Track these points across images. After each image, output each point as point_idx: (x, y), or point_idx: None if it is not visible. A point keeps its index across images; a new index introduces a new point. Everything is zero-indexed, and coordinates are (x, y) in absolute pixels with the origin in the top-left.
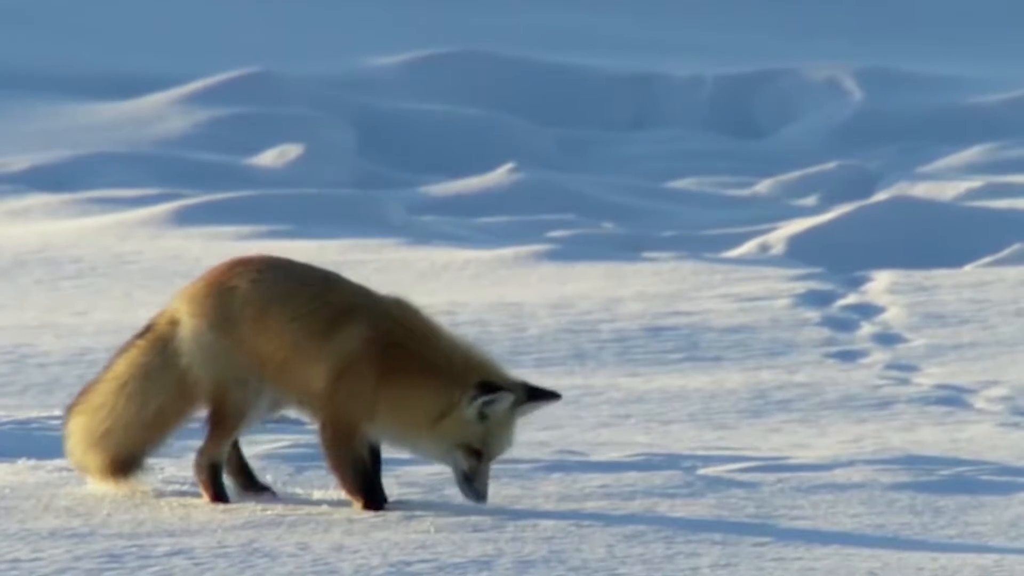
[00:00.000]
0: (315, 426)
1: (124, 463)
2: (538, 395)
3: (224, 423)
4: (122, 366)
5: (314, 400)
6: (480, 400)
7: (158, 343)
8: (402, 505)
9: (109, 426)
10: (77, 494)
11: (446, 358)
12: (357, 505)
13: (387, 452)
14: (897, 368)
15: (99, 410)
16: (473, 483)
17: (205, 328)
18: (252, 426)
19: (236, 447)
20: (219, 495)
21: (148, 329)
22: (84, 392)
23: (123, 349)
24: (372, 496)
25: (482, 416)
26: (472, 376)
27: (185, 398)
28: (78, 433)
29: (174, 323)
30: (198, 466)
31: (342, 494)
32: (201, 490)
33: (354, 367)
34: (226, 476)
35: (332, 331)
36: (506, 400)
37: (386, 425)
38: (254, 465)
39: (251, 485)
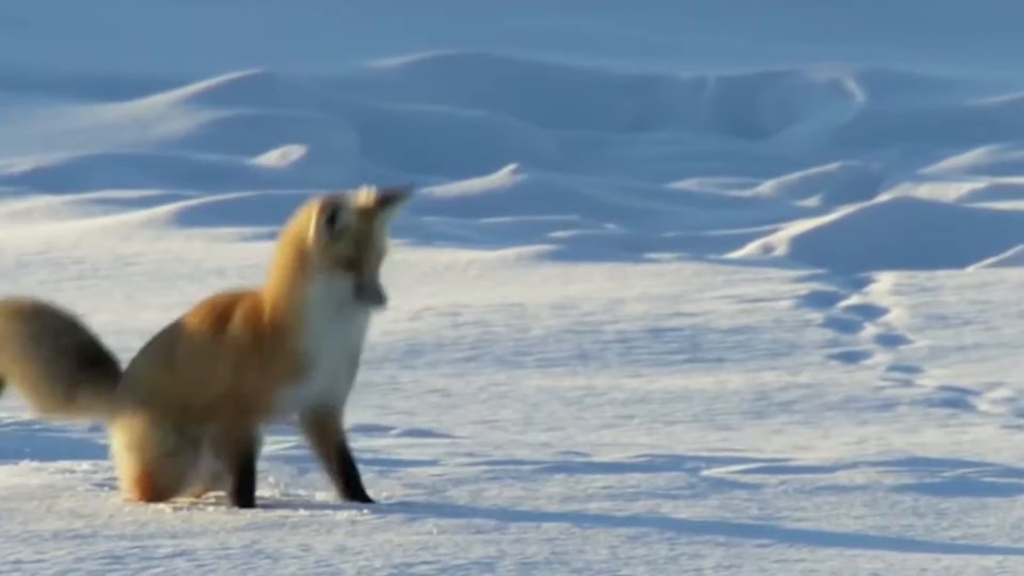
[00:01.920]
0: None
1: None
2: (390, 199)
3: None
4: None
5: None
6: (322, 218)
7: None
8: (405, 507)
9: None
10: (80, 496)
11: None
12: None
13: (389, 454)
14: (900, 370)
15: None
16: (365, 292)
17: None
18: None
19: None
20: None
21: None
22: None
23: None
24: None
25: (338, 234)
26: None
27: None
28: None
29: None
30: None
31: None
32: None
33: None
34: None
35: None
36: (347, 214)
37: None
38: (257, 467)
39: None
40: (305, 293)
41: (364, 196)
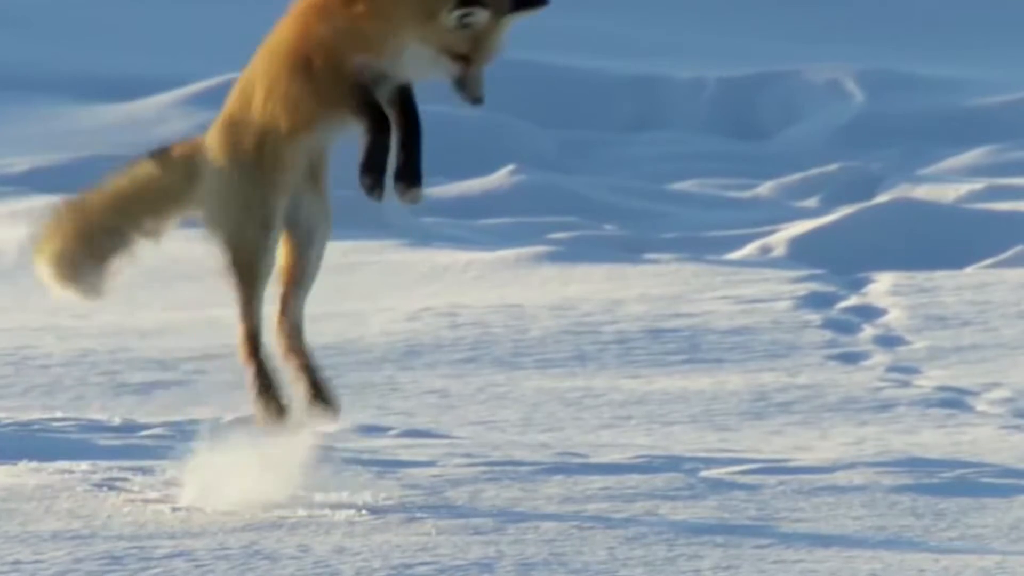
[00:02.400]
0: None
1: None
2: (523, 4)
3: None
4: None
5: None
6: (457, 12)
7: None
8: (403, 508)
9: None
10: (78, 496)
11: None
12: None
13: (388, 455)
14: (898, 370)
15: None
16: (465, 87)
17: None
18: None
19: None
20: (260, 370)
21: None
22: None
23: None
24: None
25: (464, 26)
26: None
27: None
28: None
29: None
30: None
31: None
32: (246, 372)
33: None
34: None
35: None
36: (482, 15)
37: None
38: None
39: (315, 394)
40: (407, 39)
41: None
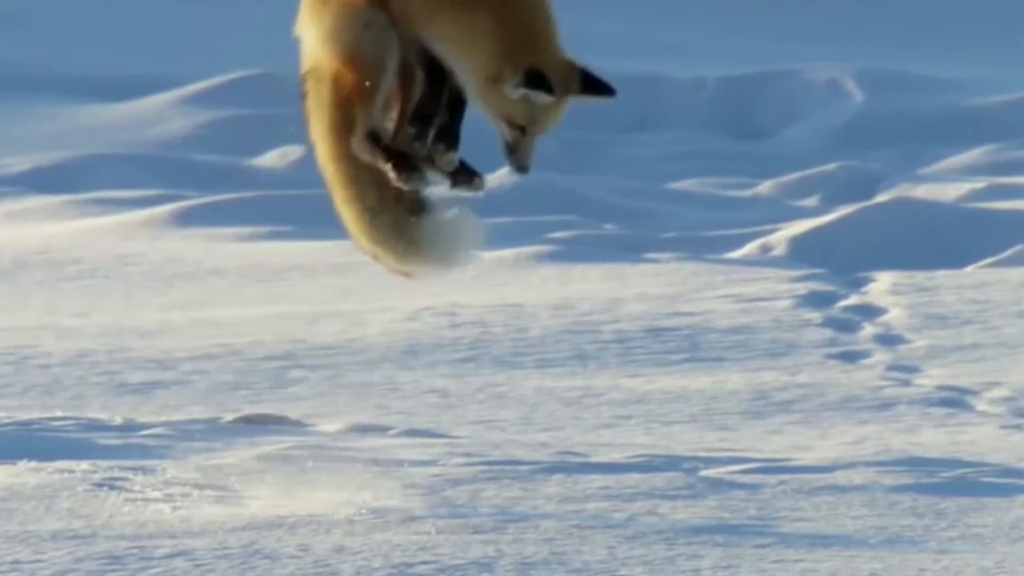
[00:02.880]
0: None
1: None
2: (592, 89)
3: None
4: None
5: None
6: (523, 89)
7: None
8: (403, 507)
9: None
10: (79, 496)
11: (516, 23)
12: None
13: (388, 454)
14: (899, 369)
15: None
16: (514, 154)
17: None
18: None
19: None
20: (391, 152)
21: None
22: None
23: None
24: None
25: (526, 99)
26: (525, 55)
27: None
28: None
29: None
30: (359, 145)
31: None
32: (373, 160)
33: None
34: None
35: None
36: (545, 97)
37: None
38: (253, 466)
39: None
40: (474, 93)
41: (568, 72)
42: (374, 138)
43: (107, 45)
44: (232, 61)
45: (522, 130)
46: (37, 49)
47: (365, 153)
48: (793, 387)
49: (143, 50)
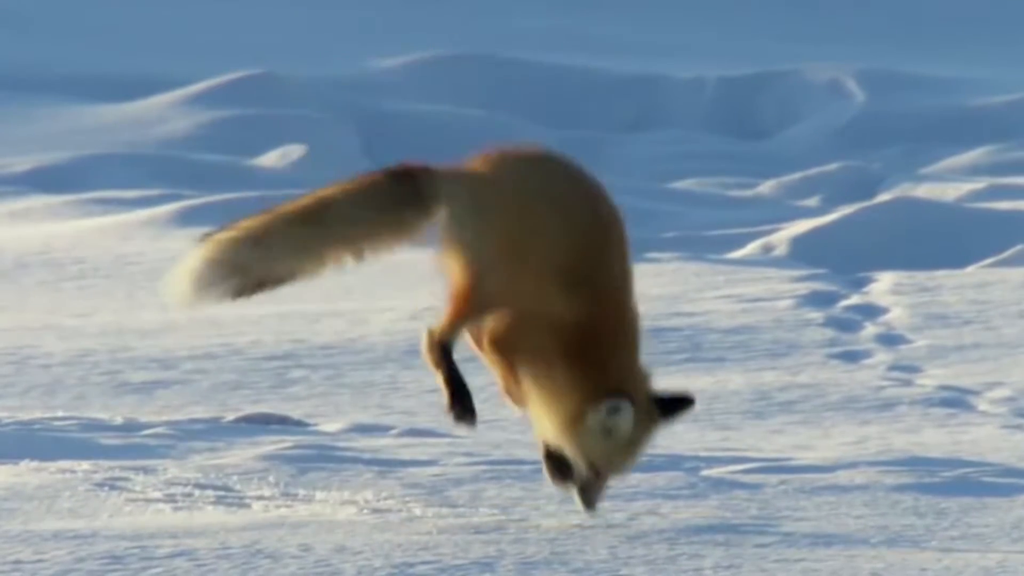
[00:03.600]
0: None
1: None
2: (674, 409)
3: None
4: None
5: None
6: (604, 409)
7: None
8: (404, 507)
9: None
10: (80, 496)
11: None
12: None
13: (389, 454)
14: (900, 369)
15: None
16: (586, 493)
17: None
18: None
19: None
20: (452, 371)
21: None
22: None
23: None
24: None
25: (607, 430)
26: (607, 389)
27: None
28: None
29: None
30: (429, 346)
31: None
32: (434, 370)
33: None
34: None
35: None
36: (627, 416)
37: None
38: (254, 466)
39: None
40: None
41: (647, 404)
42: (445, 351)
43: (109, 45)
44: (233, 61)
45: (596, 471)
46: (39, 49)
47: (430, 358)
48: (794, 387)
49: (145, 50)
